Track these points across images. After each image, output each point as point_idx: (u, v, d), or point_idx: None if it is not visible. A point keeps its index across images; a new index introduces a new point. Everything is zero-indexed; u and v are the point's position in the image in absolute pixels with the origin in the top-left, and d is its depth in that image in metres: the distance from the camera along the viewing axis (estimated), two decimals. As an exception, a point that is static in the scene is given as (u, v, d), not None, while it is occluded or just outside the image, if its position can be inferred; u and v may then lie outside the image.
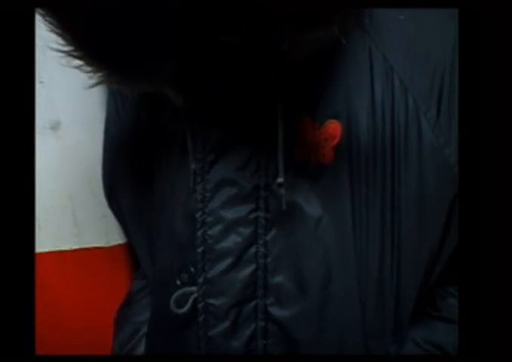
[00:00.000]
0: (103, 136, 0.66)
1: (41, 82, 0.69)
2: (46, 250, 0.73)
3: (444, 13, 0.52)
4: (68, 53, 0.50)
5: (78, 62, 0.51)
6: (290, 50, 0.46)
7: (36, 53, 0.68)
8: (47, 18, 0.49)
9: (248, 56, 0.49)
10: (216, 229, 0.54)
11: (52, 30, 0.50)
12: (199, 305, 0.55)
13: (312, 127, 0.51)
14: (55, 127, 0.70)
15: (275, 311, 0.55)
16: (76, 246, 0.73)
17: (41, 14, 0.49)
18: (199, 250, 0.55)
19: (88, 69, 0.51)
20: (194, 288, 0.56)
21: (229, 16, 0.48)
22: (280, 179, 0.51)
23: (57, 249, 0.73)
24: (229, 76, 0.51)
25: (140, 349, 0.67)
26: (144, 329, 0.66)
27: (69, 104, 0.70)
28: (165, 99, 0.53)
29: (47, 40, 0.59)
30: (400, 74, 0.51)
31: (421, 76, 0.51)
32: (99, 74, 0.51)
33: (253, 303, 0.55)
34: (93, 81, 0.52)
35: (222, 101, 0.52)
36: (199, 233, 0.54)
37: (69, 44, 0.50)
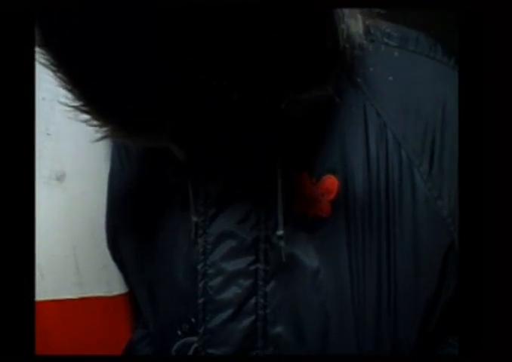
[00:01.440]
0: (107, 188, 0.68)
1: (48, 134, 0.72)
2: (48, 298, 0.74)
3: (434, 73, 0.55)
4: (76, 108, 0.53)
5: (85, 116, 0.53)
6: (287, 108, 0.48)
7: (45, 107, 0.71)
8: (58, 74, 0.51)
9: (247, 114, 0.52)
10: (217, 281, 0.55)
11: (62, 85, 0.52)
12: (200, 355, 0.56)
13: (309, 181, 0.53)
14: (60, 178, 0.72)
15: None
16: (78, 296, 0.74)
17: (52, 70, 0.51)
18: (200, 300, 0.56)
19: (95, 123, 0.53)
20: (195, 338, 0.57)
21: (229, 75, 0.51)
22: (280, 232, 0.53)
23: (59, 298, 0.74)
24: (229, 132, 0.53)
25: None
26: None
27: (74, 156, 0.72)
28: (168, 154, 0.55)
29: (56, 94, 0.62)
30: (393, 130, 0.53)
31: (414, 132, 0.53)
32: (105, 128, 0.54)
33: (253, 353, 0.56)
34: (99, 135, 0.54)
35: (223, 156, 0.54)
36: (200, 284, 0.56)
37: (78, 99, 0.52)
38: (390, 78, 0.54)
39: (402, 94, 0.54)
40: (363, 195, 0.53)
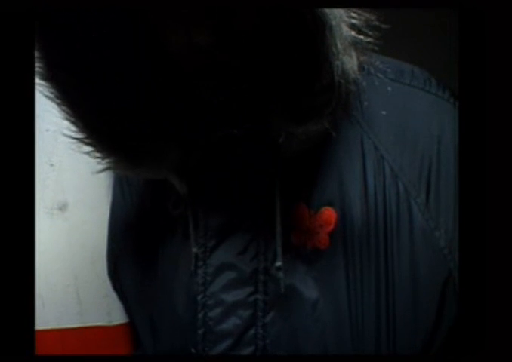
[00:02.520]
0: (109, 219, 0.69)
1: (51, 165, 0.73)
2: (49, 327, 0.74)
3: (429, 106, 0.57)
4: (79, 140, 0.54)
5: (87, 148, 0.54)
6: (285, 142, 0.49)
7: (48, 138, 0.73)
8: (63, 107, 0.53)
9: (247, 148, 0.53)
10: (216, 311, 0.56)
11: (66, 118, 0.53)
12: None
13: (308, 213, 0.54)
14: (63, 208, 0.73)
15: None
16: (79, 325, 0.74)
17: (57, 103, 0.53)
18: (200, 331, 0.56)
19: (97, 155, 0.55)
20: None
21: (231, 113, 0.52)
22: (278, 263, 0.54)
23: (60, 327, 0.74)
24: (229, 166, 0.54)
25: None
26: None
27: (77, 187, 0.73)
28: (170, 186, 0.56)
29: (59, 126, 0.63)
30: (390, 162, 0.54)
31: (410, 164, 0.54)
32: (107, 160, 0.55)
33: None
34: (101, 167, 0.55)
35: (223, 189, 0.55)
36: (200, 315, 0.56)
37: (81, 131, 0.53)
38: (386, 112, 0.56)
39: (399, 127, 0.55)
40: (361, 227, 0.53)
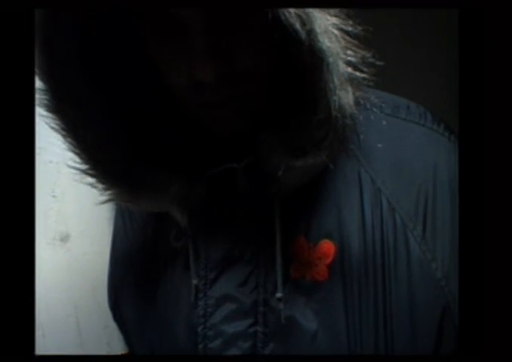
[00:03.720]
0: (110, 250, 0.69)
1: (54, 196, 0.74)
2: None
3: (425, 140, 0.58)
4: (82, 171, 0.55)
5: (91, 179, 0.55)
6: (284, 175, 0.51)
7: (51, 170, 0.74)
8: (68, 139, 0.54)
9: (247, 181, 0.54)
10: (216, 343, 0.56)
11: (70, 149, 0.54)
12: None
13: (307, 246, 0.55)
14: (64, 239, 0.74)
15: None
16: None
17: (62, 135, 0.54)
18: None
19: (100, 186, 0.56)
20: None
21: (232, 147, 0.53)
22: (279, 294, 0.54)
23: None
24: (230, 199, 0.55)
25: None
26: None
27: (79, 218, 0.74)
28: (171, 219, 0.57)
29: (62, 157, 0.65)
30: (387, 195, 0.55)
31: (407, 197, 0.55)
32: (109, 192, 0.56)
33: None
34: (103, 198, 0.56)
35: (224, 222, 0.56)
36: (201, 346, 0.57)
37: (85, 163, 0.54)
38: (382, 145, 0.57)
39: (396, 161, 0.56)
40: (359, 259, 0.54)
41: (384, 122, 0.58)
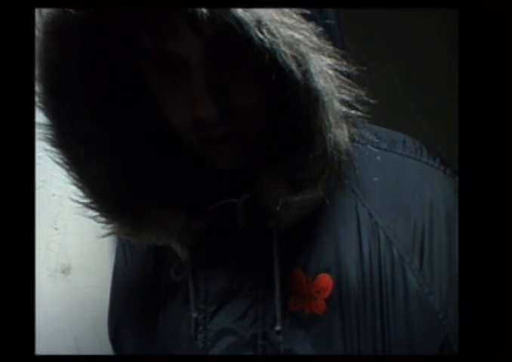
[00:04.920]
0: (111, 283, 0.70)
1: (56, 229, 0.75)
2: (48, 390, 0.74)
3: (421, 174, 0.59)
4: (85, 205, 0.56)
5: (93, 213, 0.56)
6: (282, 210, 0.52)
7: (54, 203, 0.75)
8: (71, 173, 0.55)
9: (246, 216, 0.55)
10: None
11: (73, 183, 0.55)
12: None
13: (305, 280, 0.56)
14: (66, 271, 0.74)
15: None
16: (78, 388, 0.74)
17: (66, 169, 0.55)
18: None
19: (102, 220, 0.56)
20: None
21: (231, 184, 0.55)
22: (278, 327, 0.55)
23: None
24: (229, 233, 0.56)
25: None
26: None
27: (80, 250, 0.75)
28: (172, 253, 0.57)
29: (65, 191, 0.66)
30: (385, 229, 0.56)
31: (404, 230, 0.56)
32: (111, 225, 0.57)
33: None
34: (105, 231, 0.57)
35: (224, 256, 0.57)
36: None
37: (87, 196, 0.55)
38: (379, 180, 0.58)
39: (392, 195, 0.57)
40: (357, 293, 0.55)
41: (381, 157, 0.59)
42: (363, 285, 0.55)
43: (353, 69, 0.48)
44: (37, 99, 0.53)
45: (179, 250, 0.57)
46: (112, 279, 0.70)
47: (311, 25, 0.46)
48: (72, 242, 0.74)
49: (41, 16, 0.49)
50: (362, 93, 0.49)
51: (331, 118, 0.48)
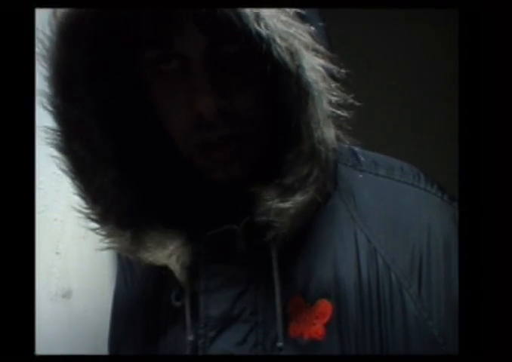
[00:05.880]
0: (111, 307, 0.70)
1: (57, 253, 0.75)
2: None
3: (418, 200, 0.60)
4: (87, 216, 0.56)
5: (94, 225, 0.57)
6: (276, 220, 0.53)
7: (56, 227, 0.76)
8: (76, 182, 0.56)
9: (246, 242, 0.56)
10: None
11: (77, 193, 0.57)
12: None
13: (304, 305, 0.56)
14: (66, 295, 0.75)
15: None
16: None
17: (70, 177, 0.56)
18: None
19: (102, 232, 0.57)
20: None
21: (228, 211, 0.55)
22: (280, 344, 0.55)
23: None
24: (229, 258, 0.57)
25: None
26: None
27: (81, 275, 0.75)
28: (171, 279, 0.58)
29: (67, 216, 0.66)
30: (383, 254, 0.57)
31: (402, 256, 0.57)
32: (111, 239, 0.57)
33: None
34: (104, 245, 0.57)
35: (223, 283, 0.57)
36: None
37: (90, 208, 0.57)
38: (377, 206, 0.59)
39: (390, 221, 0.58)
40: (356, 318, 0.55)
41: (379, 184, 0.60)
42: (362, 310, 0.55)
43: (341, 72, 0.51)
44: (47, 101, 0.54)
45: (177, 272, 0.57)
46: (113, 303, 0.70)
47: (306, 25, 0.49)
48: (73, 266, 0.75)
49: (55, 17, 0.51)
50: (349, 96, 0.51)
51: (319, 113, 0.50)
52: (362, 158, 0.63)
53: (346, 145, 0.64)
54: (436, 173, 0.63)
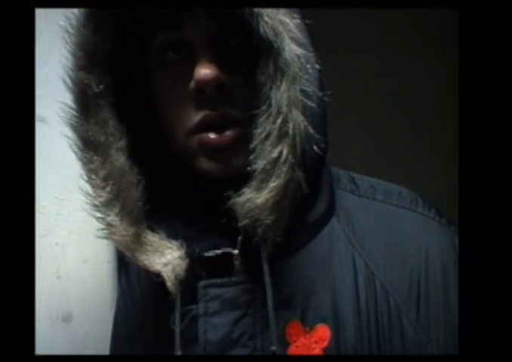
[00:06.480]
0: (111, 331, 0.70)
1: (58, 277, 0.76)
2: None
3: (416, 225, 0.60)
4: (91, 201, 0.57)
5: (99, 214, 0.57)
6: (263, 232, 0.53)
7: (57, 252, 0.76)
8: (85, 166, 0.57)
9: (242, 265, 0.57)
10: None
11: (88, 182, 0.57)
12: None
13: (303, 330, 0.56)
14: (67, 319, 0.75)
15: None
16: None
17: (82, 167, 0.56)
18: None
19: (104, 222, 0.57)
20: None
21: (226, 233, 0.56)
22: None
23: None
24: (227, 282, 0.57)
25: None
26: None
27: (82, 299, 0.75)
28: (170, 304, 0.58)
29: (68, 240, 0.67)
30: (381, 279, 0.57)
31: (400, 280, 0.57)
32: (111, 230, 0.57)
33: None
34: (104, 235, 0.58)
35: (222, 307, 0.57)
36: None
37: (96, 194, 0.57)
38: (375, 231, 0.59)
39: (388, 245, 0.59)
40: (355, 342, 0.55)
41: (377, 208, 0.61)
42: (361, 335, 0.55)
43: (316, 68, 0.55)
44: (69, 77, 0.55)
45: (170, 282, 0.56)
46: (113, 327, 0.70)
47: (293, 16, 0.53)
48: (73, 290, 0.75)
49: (80, 11, 0.54)
50: (320, 92, 0.55)
51: (291, 92, 0.51)
52: (360, 183, 0.64)
53: (343, 171, 0.65)
54: (435, 195, 0.64)
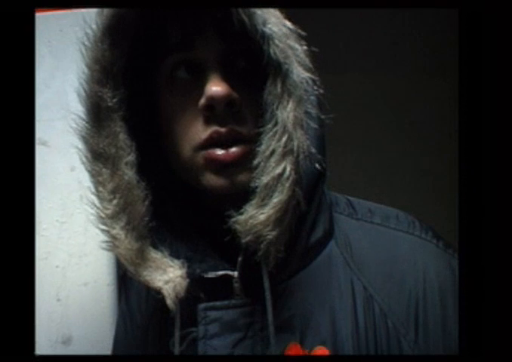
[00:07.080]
0: (111, 353, 0.70)
1: (58, 300, 0.76)
2: None
3: (413, 248, 0.61)
4: (97, 213, 0.57)
5: (104, 227, 0.57)
6: (264, 249, 0.54)
7: (57, 275, 0.77)
8: (93, 178, 0.57)
9: (242, 288, 0.57)
10: None
11: (95, 194, 0.58)
12: None
13: (302, 352, 0.56)
14: (67, 341, 0.75)
15: None
16: None
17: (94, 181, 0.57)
18: None
19: (108, 235, 0.57)
20: None
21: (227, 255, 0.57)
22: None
23: None
24: (227, 305, 0.58)
25: None
26: None
27: (82, 321, 0.75)
28: (171, 325, 0.58)
29: (68, 263, 0.67)
30: (379, 302, 0.57)
31: (398, 303, 0.58)
32: (116, 243, 0.57)
33: None
34: (111, 248, 0.58)
35: (222, 329, 0.58)
36: None
37: (102, 206, 0.57)
38: (373, 254, 0.60)
39: (386, 268, 0.59)
40: None
41: (374, 232, 0.61)
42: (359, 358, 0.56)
43: (319, 93, 0.57)
44: (84, 89, 0.56)
45: (170, 299, 0.57)
46: (113, 350, 0.70)
47: (302, 43, 0.55)
48: (73, 313, 0.75)
49: (101, 15, 0.55)
50: (321, 114, 0.58)
51: (298, 112, 0.53)
52: (358, 207, 0.65)
53: (340, 195, 0.66)
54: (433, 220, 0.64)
